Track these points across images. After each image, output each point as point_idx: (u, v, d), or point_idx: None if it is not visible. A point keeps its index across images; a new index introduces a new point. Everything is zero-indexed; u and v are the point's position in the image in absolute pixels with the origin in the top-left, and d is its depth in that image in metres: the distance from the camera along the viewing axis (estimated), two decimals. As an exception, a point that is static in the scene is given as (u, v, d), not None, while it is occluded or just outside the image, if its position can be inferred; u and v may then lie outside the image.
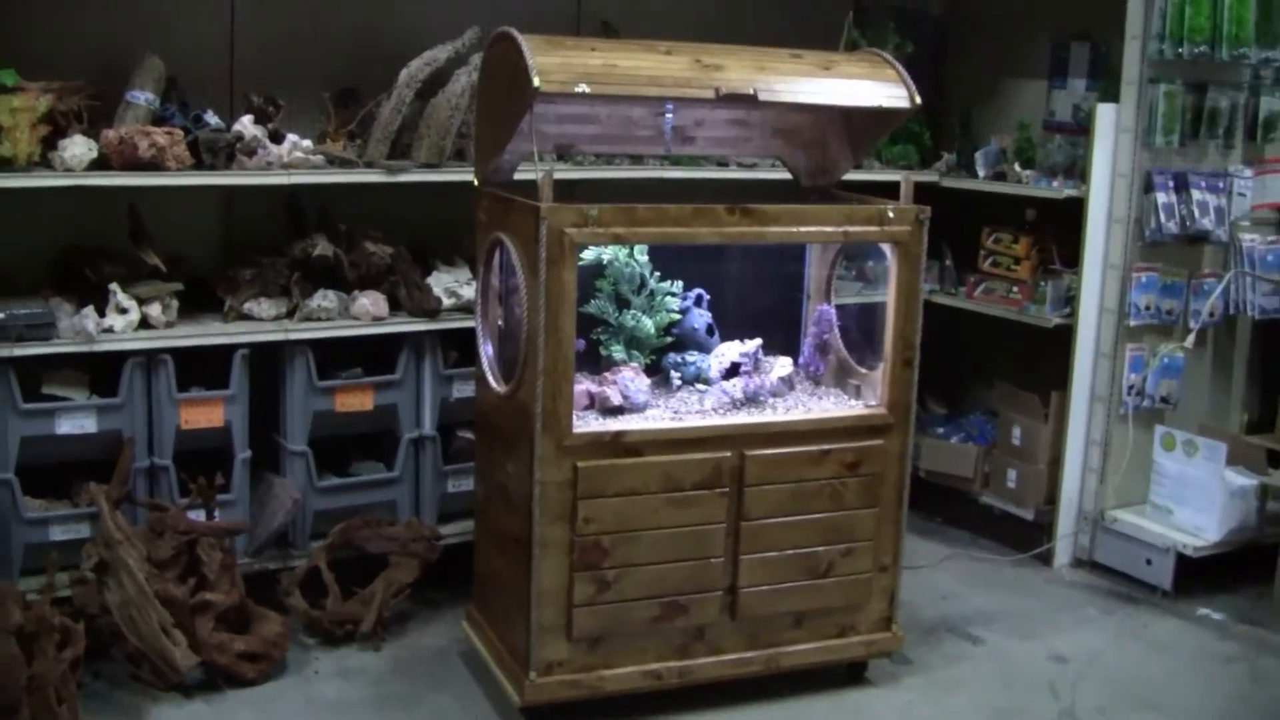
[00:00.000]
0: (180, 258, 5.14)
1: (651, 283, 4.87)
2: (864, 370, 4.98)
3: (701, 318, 4.98)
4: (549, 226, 4.13)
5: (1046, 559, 6.22)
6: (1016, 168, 6.30)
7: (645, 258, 4.85)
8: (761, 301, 5.22)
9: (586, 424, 4.42)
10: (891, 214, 4.64)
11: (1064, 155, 6.17)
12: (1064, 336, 6.09)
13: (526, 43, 4.20)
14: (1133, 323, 5.98)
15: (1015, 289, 6.31)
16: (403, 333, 5.26)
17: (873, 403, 4.82)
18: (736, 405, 4.72)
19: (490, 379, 4.62)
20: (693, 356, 4.91)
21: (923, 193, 5.60)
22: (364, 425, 5.35)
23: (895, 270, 4.70)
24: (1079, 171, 6.10)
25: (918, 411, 6.38)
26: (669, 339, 4.94)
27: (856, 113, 4.87)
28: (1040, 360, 6.37)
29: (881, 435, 4.75)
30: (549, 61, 4.18)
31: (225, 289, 5.12)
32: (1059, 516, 6.19)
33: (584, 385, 4.58)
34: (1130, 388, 6.03)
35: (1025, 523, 6.32)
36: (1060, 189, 6.05)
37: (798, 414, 4.72)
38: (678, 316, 4.93)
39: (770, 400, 4.79)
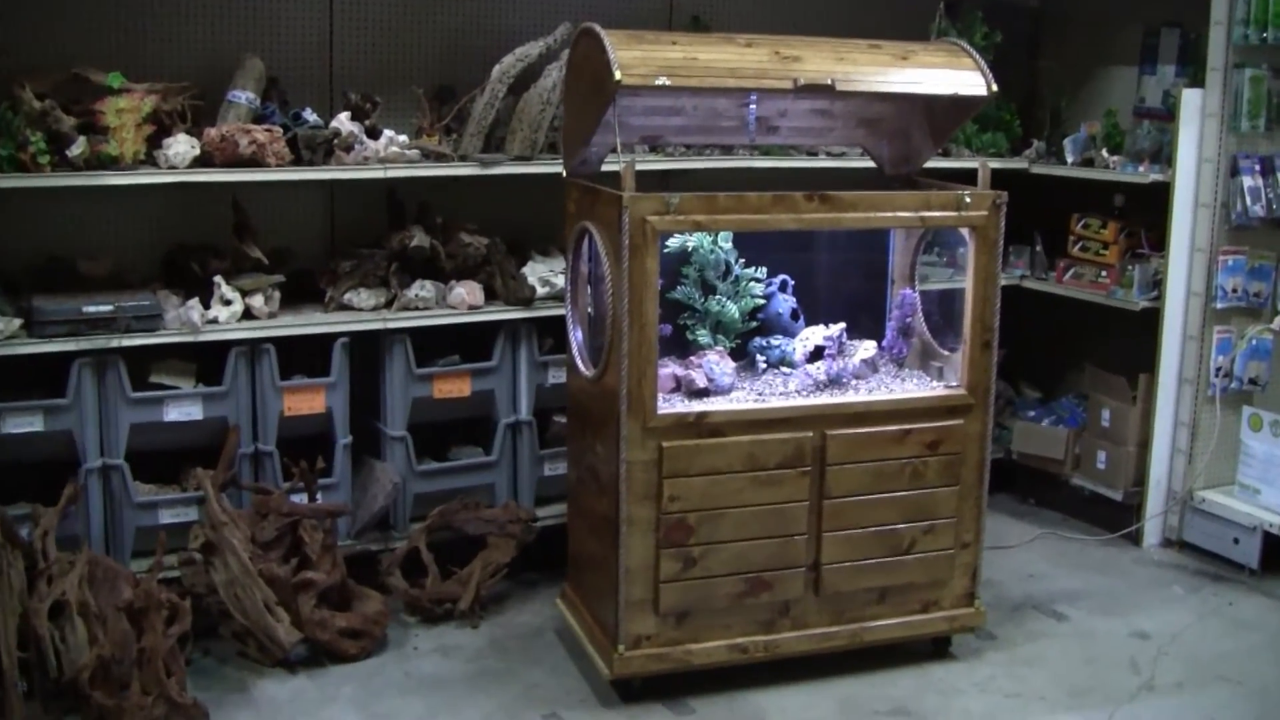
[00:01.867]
0: (284, 251, 5.33)
1: (736, 269, 4.99)
2: (946, 352, 5.06)
3: (786, 303, 5.10)
4: (631, 215, 4.27)
5: (1135, 539, 6.26)
6: (1104, 154, 6.33)
7: (730, 245, 4.97)
8: (846, 287, 5.33)
9: (671, 406, 4.55)
10: (969, 199, 4.72)
11: (1151, 141, 6.20)
12: (1152, 320, 6.13)
13: (608, 38, 4.33)
14: (1219, 305, 6.01)
15: (1104, 273, 6.34)
16: (498, 321, 5.42)
17: (953, 384, 4.89)
18: (820, 387, 4.83)
19: (579, 364, 4.77)
20: (777, 340, 5.03)
21: (1012, 179, 5.68)
22: (462, 411, 5.52)
23: (973, 255, 4.78)
24: (1165, 157, 6.12)
25: (1010, 395, 6.50)
26: (754, 324, 5.06)
27: (935, 101, 4.95)
28: (1129, 343, 6.40)
29: (961, 415, 4.83)
30: (629, 55, 4.32)
31: (326, 280, 5.31)
32: (1148, 497, 6.24)
33: (670, 369, 4.71)
34: (1218, 369, 6.05)
35: (1115, 503, 6.36)
36: (1146, 174, 6.08)
37: (879, 395, 4.82)
38: (762, 302, 5.05)
39: (853, 382, 4.89)
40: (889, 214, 4.69)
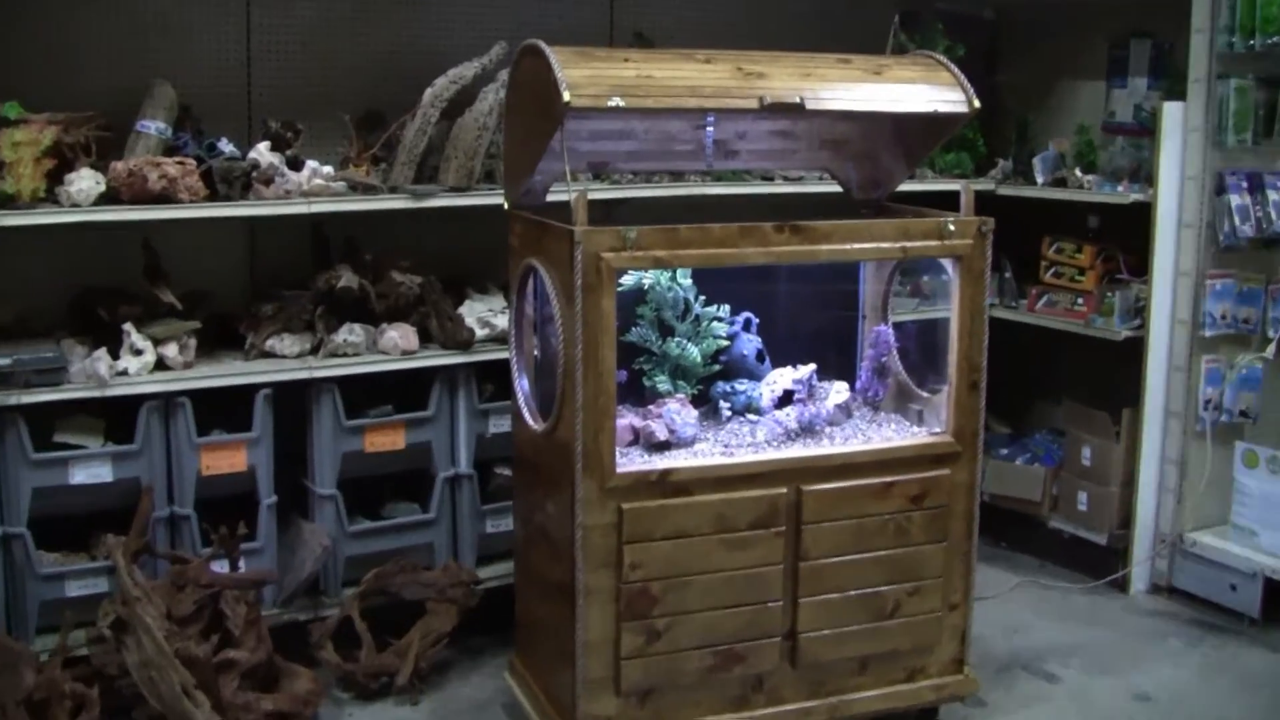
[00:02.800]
0: (200, 294, 4.83)
1: (696, 307, 4.52)
2: (925, 394, 4.62)
3: (751, 343, 4.63)
4: (585, 251, 3.80)
5: (1122, 586, 5.84)
6: (1077, 173, 5.92)
7: (689, 281, 4.50)
8: (813, 323, 4.87)
9: (631, 462, 4.08)
10: (952, 227, 4.29)
11: (1128, 158, 5.81)
12: (1134, 349, 5.73)
13: (555, 55, 3.87)
14: (1208, 333, 5.61)
15: (1080, 300, 5.93)
16: (435, 366, 4.92)
17: (937, 429, 4.46)
18: (791, 436, 4.37)
19: (526, 415, 4.28)
20: (743, 385, 4.56)
21: (979, 202, 5.27)
22: (396, 465, 5.00)
23: (958, 287, 4.34)
24: (1145, 175, 5.73)
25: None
26: (716, 367, 4.58)
27: (910, 119, 4.50)
28: (1109, 375, 5.98)
29: (948, 464, 4.39)
30: (579, 74, 3.85)
31: (247, 325, 4.81)
32: (1135, 540, 5.82)
33: (627, 419, 4.24)
34: (1207, 402, 5.64)
35: (1098, 547, 5.94)
36: (1126, 194, 5.68)
37: (857, 444, 4.36)
38: (725, 343, 4.57)
39: (827, 430, 4.44)
40: (867, 245, 4.23)
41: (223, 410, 4.66)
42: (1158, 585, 5.80)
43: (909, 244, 4.26)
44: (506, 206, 4.36)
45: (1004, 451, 6.34)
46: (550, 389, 4.11)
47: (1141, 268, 5.78)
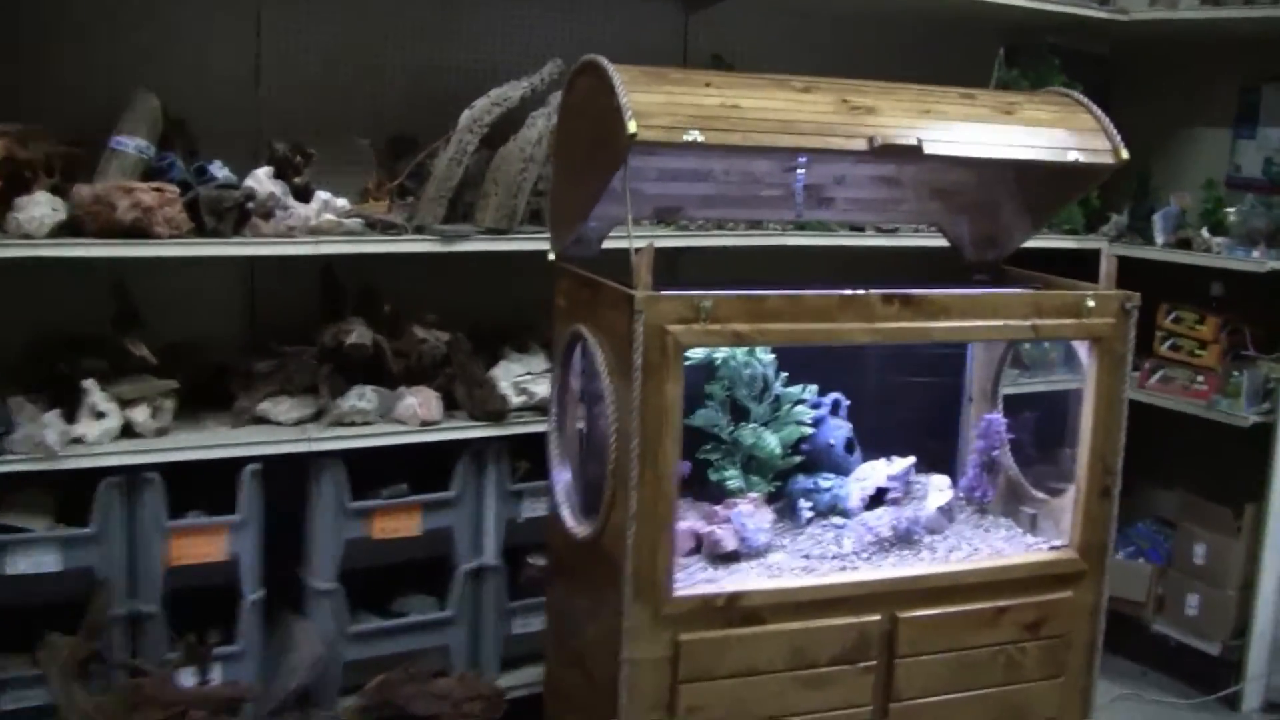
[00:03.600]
0: (185, 347, 3.97)
1: (777, 386, 3.63)
2: (1041, 495, 3.74)
3: (839, 430, 3.74)
4: (647, 322, 2.93)
5: (1234, 702, 4.94)
6: (1204, 234, 5.01)
7: (770, 355, 3.61)
8: (909, 406, 3.98)
9: (691, 580, 3.21)
10: (1092, 303, 3.40)
11: (1263, 219, 4.88)
12: (1262, 437, 4.82)
13: (619, 76, 3.01)
14: (1345, 421, 4.70)
15: (1201, 378, 5.02)
16: (460, 440, 4.04)
17: (1058, 542, 3.58)
18: (884, 546, 3.49)
19: (566, 515, 3.40)
20: (828, 481, 3.67)
21: (1087, 260, 4.41)
22: (411, 553, 4.10)
23: (1095, 374, 3.46)
24: (1282, 239, 4.83)
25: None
26: (797, 458, 3.68)
27: (1042, 169, 3.61)
28: (1231, 464, 5.06)
29: (1070, 585, 3.52)
30: (649, 100, 2.99)
31: (239, 384, 3.94)
32: (1250, 652, 4.92)
33: (688, 522, 3.37)
34: (1339, 498, 4.74)
35: (1209, 658, 5.03)
36: (1263, 260, 4.76)
37: (965, 560, 3.47)
38: (810, 430, 3.67)
39: (926, 539, 3.55)
40: (991, 322, 3.34)
41: (202, 487, 3.78)
42: (1273, 703, 4.93)
43: (1040, 322, 3.38)
44: (552, 257, 3.49)
45: (1104, 545, 5.42)
46: (596, 482, 3.25)
47: (1270, 344, 4.89)
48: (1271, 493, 4.81)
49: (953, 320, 3.26)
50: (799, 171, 3.61)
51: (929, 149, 3.23)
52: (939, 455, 3.95)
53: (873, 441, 3.83)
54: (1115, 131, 3.49)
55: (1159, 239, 5.14)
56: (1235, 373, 4.89)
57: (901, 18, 5.14)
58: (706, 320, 2.99)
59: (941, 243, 4.12)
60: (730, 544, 3.34)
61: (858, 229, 4.63)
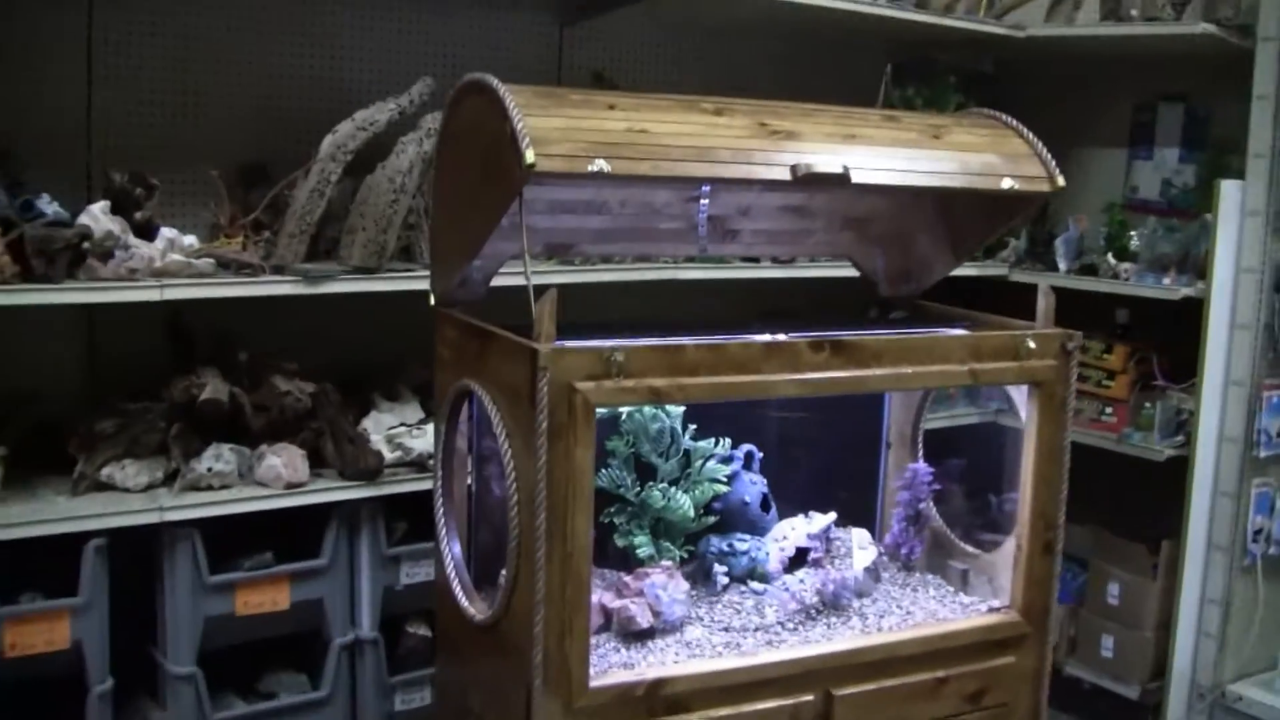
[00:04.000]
0: (18, 404, 3.46)
1: (686, 440, 3.23)
2: (971, 549, 3.40)
3: (754, 486, 3.35)
4: (552, 379, 2.51)
5: (1153, 747, 4.65)
6: (1110, 259, 4.72)
7: (679, 407, 3.21)
8: (824, 454, 3.61)
9: (604, 664, 2.80)
10: (1032, 344, 3.06)
11: (1172, 244, 4.61)
12: (1176, 471, 4.53)
13: (512, 98, 2.59)
14: (1262, 453, 4.47)
15: (1110, 410, 4.73)
16: (330, 503, 3.58)
17: (996, 603, 3.23)
18: (810, 614, 3.11)
19: (459, 595, 2.96)
20: (743, 542, 3.27)
21: (985, 289, 4.12)
22: (279, 628, 3.63)
23: (1033, 420, 3.14)
24: (1193, 265, 4.55)
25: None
26: (710, 519, 3.28)
27: (971, 197, 3.26)
28: (1143, 499, 4.78)
29: (1012, 650, 3.19)
30: (547, 125, 2.58)
31: (78, 446, 3.44)
32: (1169, 694, 4.63)
33: (595, 595, 2.94)
34: (1257, 533, 4.51)
35: (1127, 701, 4.78)
36: (1174, 287, 4.49)
37: (903, 631, 3.10)
38: (725, 488, 3.28)
39: (855, 603, 3.18)
40: (928, 368, 2.97)
41: (38, 565, 3.28)
42: (1194, 748, 4.65)
43: (978, 366, 3.03)
44: (433, 302, 3.06)
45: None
46: (491, 551, 2.86)
47: (1178, 372, 4.62)
48: (1188, 528, 4.53)
49: (886, 367, 2.89)
50: (702, 202, 3.23)
51: (856, 177, 2.86)
52: (857, 507, 3.59)
53: (787, 495, 3.46)
54: (1049, 157, 3.16)
55: (1062, 265, 4.85)
56: (1146, 404, 4.63)
57: (782, 31, 4.77)
58: (619, 375, 2.58)
59: (844, 272, 3.77)
60: (644, 620, 2.93)
61: (750, 260, 4.25)
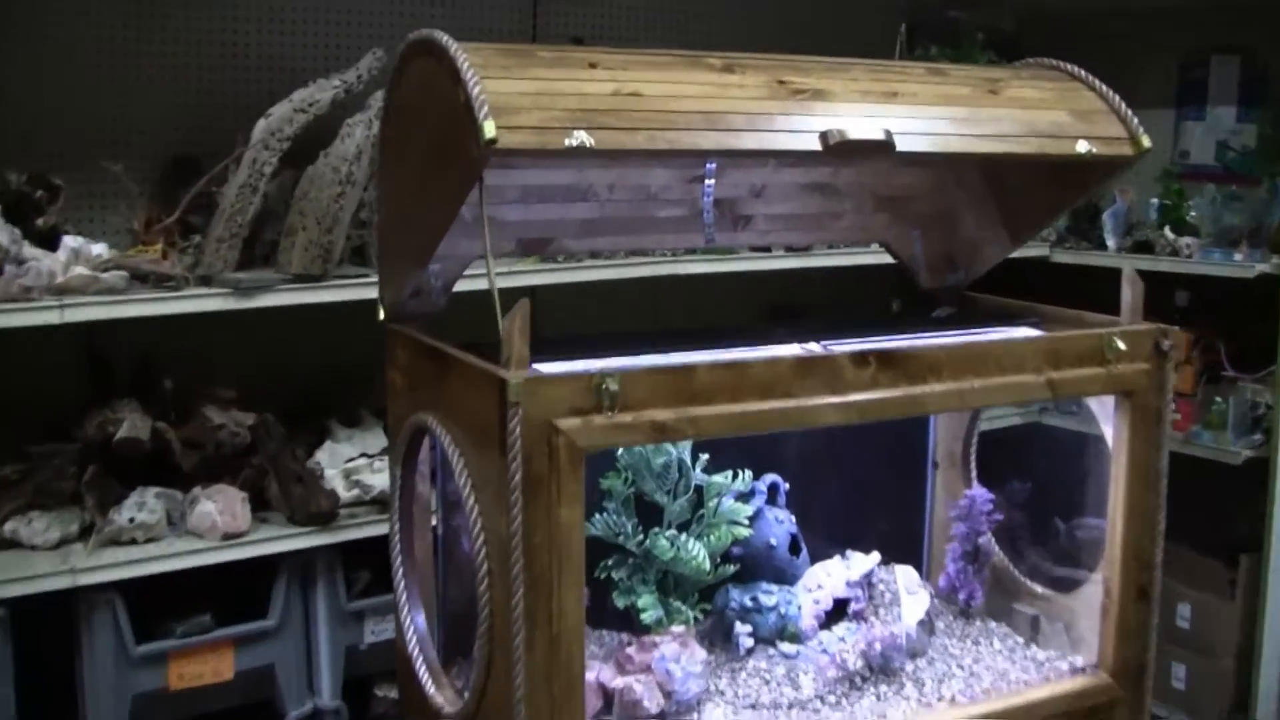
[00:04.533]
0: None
1: (697, 475, 2.61)
2: (1041, 590, 2.79)
3: (780, 525, 2.72)
4: (527, 416, 1.92)
5: (1231, 788, 4.06)
6: (1167, 234, 4.10)
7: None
8: (859, 478, 2.98)
9: (606, 768, 2.19)
10: (1121, 345, 2.44)
11: (1242, 215, 3.99)
12: (1255, 474, 3.94)
13: (468, 56, 1.97)
14: (1354, 453, 3.86)
15: (1174, 406, 4.10)
16: (278, 554, 2.97)
17: (1080, 660, 2.63)
18: (855, 682, 2.50)
19: (425, 681, 2.34)
20: (771, 594, 2.65)
21: (1025, 271, 3.55)
22: (224, 701, 3.02)
23: (1123, 439, 2.52)
24: (1266, 238, 3.94)
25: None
26: (730, 568, 2.66)
27: (1038, 166, 2.64)
28: (1217, 508, 4.14)
29: (1102, 718, 2.55)
30: (513, 90, 1.98)
31: (-27, 498, 2.84)
32: (1253, 729, 4.04)
33: (592, 672, 2.34)
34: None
35: (1200, 737, 4.15)
36: (1248, 263, 3.88)
37: (971, 703, 2.48)
38: (746, 533, 2.65)
39: (907, 665, 2.57)
40: (997, 381, 2.35)
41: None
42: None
43: (1057, 375, 2.41)
44: (382, 316, 2.44)
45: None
46: (462, 617, 2.26)
47: (1248, 361, 4.02)
48: (1271, 540, 3.93)
49: (946, 382, 2.28)
50: (707, 183, 2.61)
51: (903, 144, 2.24)
52: (899, 539, 2.98)
53: (817, 530, 2.84)
54: (1130, 113, 2.54)
55: (1111, 242, 4.23)
56: (1216, 399, 4.02)
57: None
58: (613, 409, 1.97)
59: (866, 259, 3.16)
60: (653, 704, 2.32)
61: (762, 249, 3.63)
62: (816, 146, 2.17)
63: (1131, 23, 4.55)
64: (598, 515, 2.52)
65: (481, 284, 2.05)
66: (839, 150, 2.18)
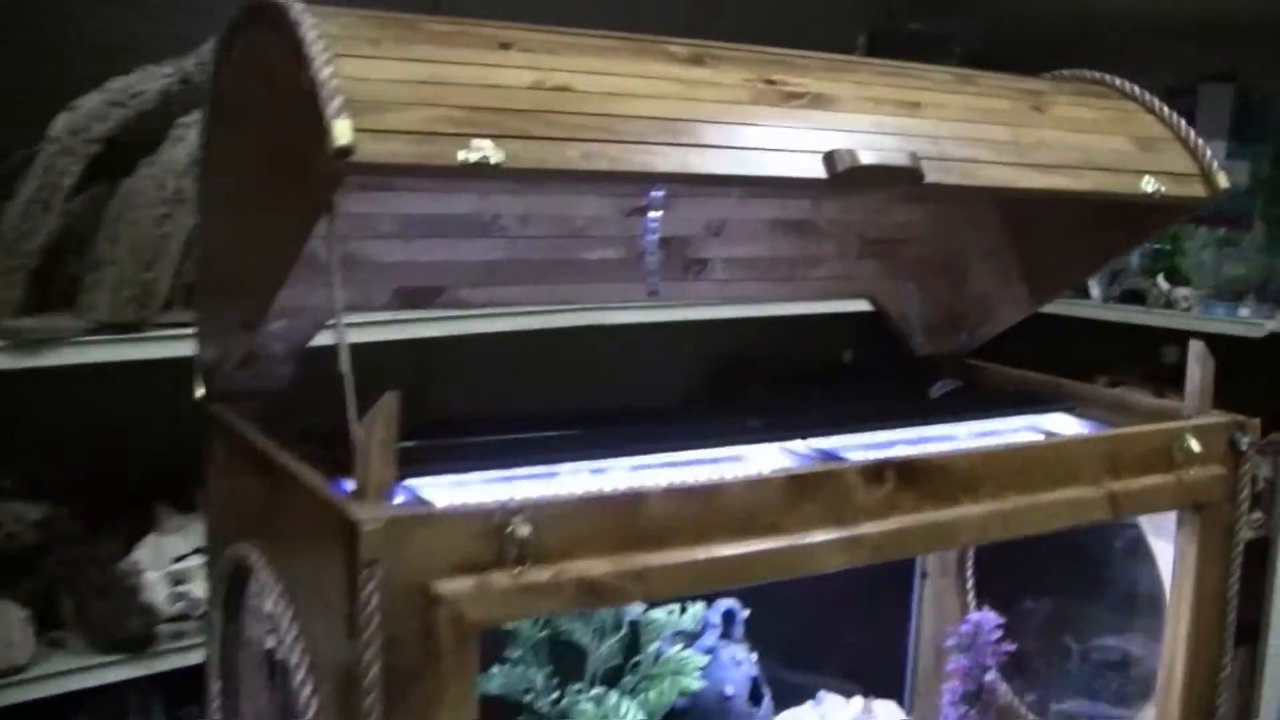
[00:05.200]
0: None
1: (633, 608, 1.90)
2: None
3: (738, 667, 2.03)
4: (392, 581, 1.20)
5: None
6: (1161, 283, 3.48)
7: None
8: (826, 594, 2.28)
9: None
10: (1195, 444, 1.78)
11: (1246, 265, 3.38)
12: (1255, 554, 3.34)
13: (317, 26, 1.26)
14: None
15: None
16: (75, 691, 2.22)
17: None
18: None
19: None
20: (726, 765, 1.96)
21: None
22: None
23: (1189, 559, 1.89)
24: (1275, 291, 3.33)
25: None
26: (672, 728, 1.96)
27: (1080, 206, 1.98)
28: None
29: None
30: (383, 78, 1.28)
31: None
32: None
33: None
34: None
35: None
36: (1256, 320, 3.27)
37: None
38: (697, 685, 1.94)
39: None
40: (1046, 497, 1.67)
41: None
42: None
43: (1119, 487, 1.74)
44: (199, 393, 1.71)
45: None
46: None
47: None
48: (1270, 623, 3.35)
49: (984, 502, 1.60)
50: (651, 216, 1.91)
51: (934, 175, 1.56)
52: (878, 665, 2.31)
53: (781, 659, 2.16)
54: (1202, 143, 1.89)
55: (1095, 291, 3.60)
56: (1214, 471, 3.39)
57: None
58: (524, 561, 1.27)
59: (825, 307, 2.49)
60: None
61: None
62: (819, 173, 1.48)
63: (1112, 45, 3.95)
64: (497, 667, 1.81)
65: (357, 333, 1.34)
66: (849, 179, 1.49)
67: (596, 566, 1.31)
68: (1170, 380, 3.55)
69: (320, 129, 1.20)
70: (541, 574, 1.28)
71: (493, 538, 1.26)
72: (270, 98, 1.40)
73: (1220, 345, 3.32)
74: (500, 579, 1.26)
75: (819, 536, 1.45)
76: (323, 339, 1.78)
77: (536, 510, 1.27)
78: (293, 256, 1.41)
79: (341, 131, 1.19)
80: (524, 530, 1.26)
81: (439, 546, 1.24)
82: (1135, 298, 3.51)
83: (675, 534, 1.36)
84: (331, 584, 1.26)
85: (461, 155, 1.26)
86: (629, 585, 1.34)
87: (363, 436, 1.24)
